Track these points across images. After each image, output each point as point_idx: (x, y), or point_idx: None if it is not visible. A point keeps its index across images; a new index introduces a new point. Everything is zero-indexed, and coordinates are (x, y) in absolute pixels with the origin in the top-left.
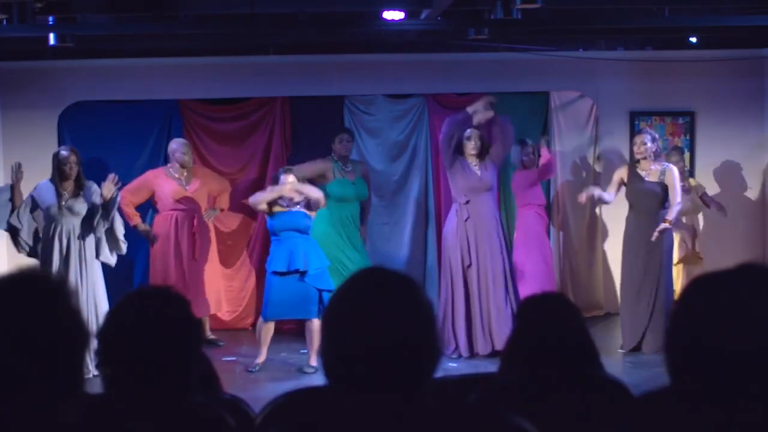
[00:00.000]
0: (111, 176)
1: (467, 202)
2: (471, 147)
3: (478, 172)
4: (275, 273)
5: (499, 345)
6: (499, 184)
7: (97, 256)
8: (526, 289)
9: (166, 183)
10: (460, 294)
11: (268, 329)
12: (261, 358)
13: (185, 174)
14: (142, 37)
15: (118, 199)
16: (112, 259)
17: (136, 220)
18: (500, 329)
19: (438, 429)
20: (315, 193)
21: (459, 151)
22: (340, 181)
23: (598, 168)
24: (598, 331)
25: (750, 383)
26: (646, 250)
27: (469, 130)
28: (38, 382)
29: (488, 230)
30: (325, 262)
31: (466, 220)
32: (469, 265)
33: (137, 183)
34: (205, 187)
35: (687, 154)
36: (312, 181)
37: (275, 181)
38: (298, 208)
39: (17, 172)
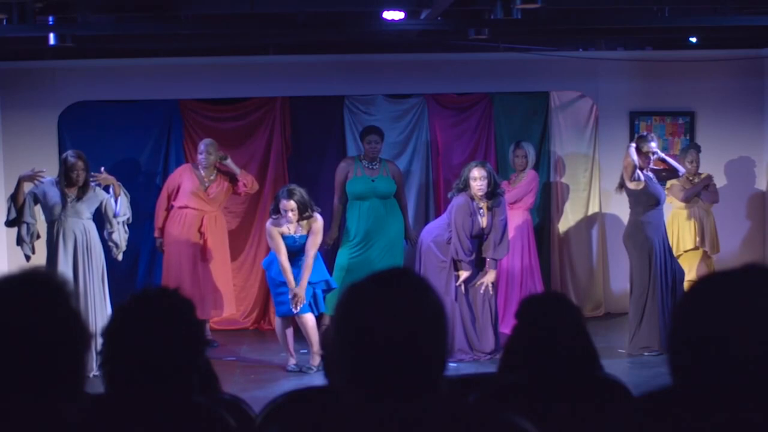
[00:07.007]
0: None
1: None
2: (477, 187)
3: (483, 223)
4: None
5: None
6: None
7: (113, 246)
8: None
9: (189, 178)
10: None
11: (284, 326)
12: (293, 359)
13: (211, 177)
14: (142, 37)
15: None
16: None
17: (157, 233)
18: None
19: (438, 429)
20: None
21: (466, 187)
22: (358, 179)
23: (597, 168)
24: (598, 331)
25: (754, 384)
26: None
27: (475, 169)
28: (39, 382)
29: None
30: (324, 276)
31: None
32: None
33: (171, 180)
34: (225, 182)
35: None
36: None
37: (276, 201)
38: (301, 233)
39: (35, 173)
